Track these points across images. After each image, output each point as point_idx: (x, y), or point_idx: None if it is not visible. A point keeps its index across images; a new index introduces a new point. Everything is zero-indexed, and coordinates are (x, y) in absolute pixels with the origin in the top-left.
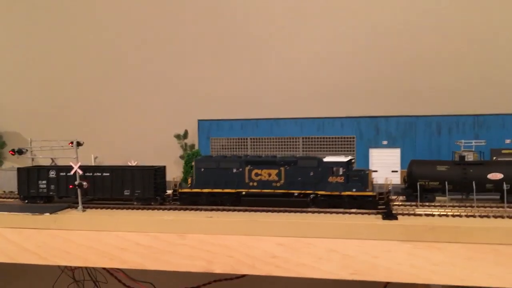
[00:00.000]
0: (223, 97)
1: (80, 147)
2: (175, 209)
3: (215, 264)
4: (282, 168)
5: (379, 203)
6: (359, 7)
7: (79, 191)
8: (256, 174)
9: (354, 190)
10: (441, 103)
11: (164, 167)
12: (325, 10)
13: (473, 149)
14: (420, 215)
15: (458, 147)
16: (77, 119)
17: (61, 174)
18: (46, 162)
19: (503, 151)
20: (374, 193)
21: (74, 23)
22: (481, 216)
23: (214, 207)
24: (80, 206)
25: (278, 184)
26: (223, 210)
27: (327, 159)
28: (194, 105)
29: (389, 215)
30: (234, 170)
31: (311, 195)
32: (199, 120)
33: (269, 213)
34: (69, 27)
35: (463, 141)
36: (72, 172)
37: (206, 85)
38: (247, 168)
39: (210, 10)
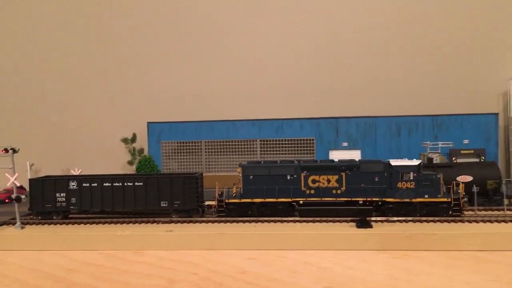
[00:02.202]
0: (176, 99)
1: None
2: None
3: (177, 283)
4: (343, 174)
5: (454, 209)
6: (317, 10)
7: (16, 205)
8: (314, 181)
9: (426, 196)
10: (401, 104)
11: (202, 174)
12: (284, 13)
13: (439, 151)
14: (393, 221)
15: (424, 149)
16: (3, 124)
17: (84, 185)
18: None
19: (462, 151)
20: (449, 199)
21: (6, 24)
22: (455, 222)
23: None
24: (18, 223)
25: (339, 192)
26: (184, 222)
27: (395, 162)
28: (143, 107)
29: (363, 223)
30: (288, 177)
31: (378, 203)
32: (148, 123)
33: (235, 224)
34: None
35: (429, 142)
36: (8, 184)
37: (157, 86)
38: (302, 175)
39: (160, 13)
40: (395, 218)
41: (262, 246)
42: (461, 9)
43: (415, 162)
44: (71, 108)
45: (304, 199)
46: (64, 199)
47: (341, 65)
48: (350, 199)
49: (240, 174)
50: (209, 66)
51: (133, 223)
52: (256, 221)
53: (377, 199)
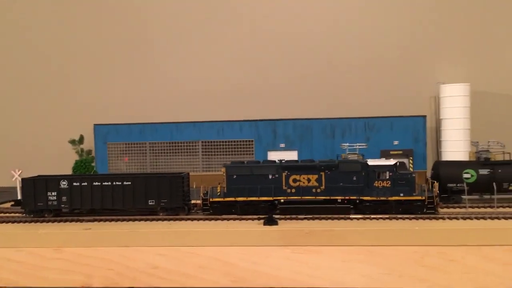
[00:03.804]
0: (121, 101)
1: None
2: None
3: (94, 278)
4: (323, 173)
5: (428, 207)
6: (257, 15)
7: None
8: (294, 180)
9: (401, 194)
10: (335, 107)
11: (189, 174)
12: (226, 18)
13: (357, 152)
14: (301, 219)
15: (344, 150)
16: None
17: (75, 184)
18: None
19: (391, 152)
20: (423, 197)
21: None
22: (357, 219)
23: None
24: None
25: (319, 190)
26: (100, 220)
27: (372, 162)
28: (90, 109)
29: (270, 221)
30: (270, 177)
31: (356, 201)
32: (95, 125)
33: (149, 222)
34: None
35: (347, 144)
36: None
37: (103, 89)
38: (284, 174)
39: (108, 14)
40: (302, 216)
41: (173, 243)
42: (393, 13)
43: (391, 161)
44: (19, 109)
45: (285, 197)
46: (55, 198)
47: (278, 69)
48: (329, 197)
49: (224, 174)
50: (152, 69)
51: (52, 222)
52: (169, 219)
53: (355, 197)
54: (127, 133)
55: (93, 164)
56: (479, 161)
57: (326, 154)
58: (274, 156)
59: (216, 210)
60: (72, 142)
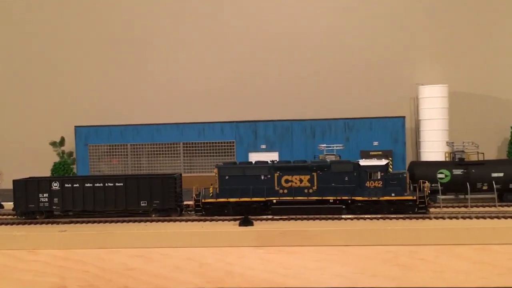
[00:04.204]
0: (102, 103)
1: None
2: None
3: (69, 280)
4: (315, 174)
5: (419, 207)
6: (237, 17)
7: None
8: (287, 181)
9: (393, 194)
10: (315, 108)
11: (181, 175)
12: (206, 19)
13: (334, 153)
14: (277, 219)
15: (321, 151)
16: None
17: (66, 186)
18: None
19: (371, 153)
20: (414, 197)
21: None
22: (332, 219)
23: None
24: None
25: (311, 191)
26: (77, 222)
27: (364, 162)
28: (71, 111)
29: (245, 221)
30: (262, 177)
31: (348, 201)
32: (76, 127)
33: (125, 224)
34: None
35: (324, 145)
36: None
37: (84, 91)
38: (276, 175)
39: (88, 15)
40: (278, 217)
41: (148, 244)
42: (373, 17)
43: (383, 162)
44: None
45: (278, 198)
46: (46, 199)
47: (259, 71)
48: (321, 197)
49: (216, 175)
50: (133, 71)
51: (28, 224)
52: (146, 221)
53: (347, 197)
54: (108, 135)
55: (73, 166)
56: (453, 161)
57: (306, 155)
58: (255, 157)
59: (209, 211)
60: (53, 144)
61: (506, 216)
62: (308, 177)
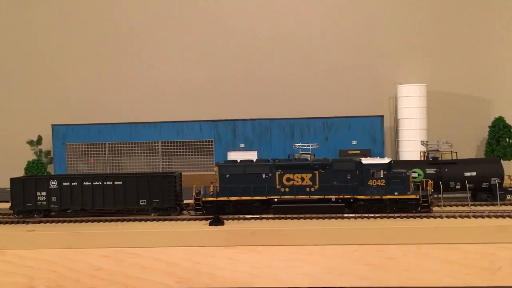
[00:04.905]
0: (80, 101)
1: None
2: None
3: (37, 280)
4: (317, 172)
5: (422, 206)
6: (216, 17)
7: None
8: (288, 179)
9: (396, 193)
10: (294, 107)
11: (181, 173)
12: (185, 19)
13: (310, 152)
14: (248, 219)
15: (297, 150)
16: None
17: (65, 184)
18: None
19: (349, 152)
20: (417, 196)
21: None
22: (304, 219)
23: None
24: None
25: (313, 189)
26: (47, 222)
27: (366, 161)
28: (49, 109)
29: (215, 221)
30: (263, 176)
31: (350, 200)
32: (53, 125)
33: (94, 223)
34: None
35: (299, 144)
36: None
37: (61, 89)
38: (277, 173)
39: (63, 12)
40: (249, 216)
41: (116, 244)
42: (351, 15)
43: (386, 160)
44: None
45: (279, 197)
46: (44, 198)
47: (238, 70)
48: (323, 196)
49: (217, 173)
50: (111, 69)
51: (3, 224)
52: (116, 220)
53: (349, 196)
54: (85, 134)
55: (50, 164)
56: (427, 160)
57: (285, 154)
58: (234, 156)
59: (209, 209)
60: (30, 142)
61: (477, 216)
62: (310, 175)
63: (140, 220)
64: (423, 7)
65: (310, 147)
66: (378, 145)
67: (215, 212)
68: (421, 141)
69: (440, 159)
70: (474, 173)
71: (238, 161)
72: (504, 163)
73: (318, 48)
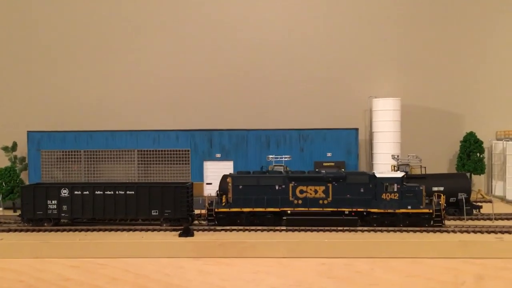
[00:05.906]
0: (56, 108)
1: None
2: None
3: None
4: (330, 185)
5: (435, 220)
6: (196, 28)
7: None
8: (301, 191)
9: (409, 207)
10: (271, 118)
11: (192, 184)
12: (165, 29)
13: (283, 163)
14: (218, 230)
15: (270, 162)
16: None
17: (76, 192)
18: None
19: (324, 164)
20: (431, 210)
21: None
22: (273, 231)
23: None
24: None
25: (326, 202)
26: (16, 230)
27: (380, 174)
28: (24, 115)
29: (185, 232)
30: (277, 187)
31: (363, 213)
32: (28, 132)
33: (65, 233)
34: None
35: (272, 155)
36: None
37: (38, 95)
38: (290, 185)
39: (36, 19)
40: (220, 228)
41: (85, 254)
42: (327, 29)
43: (399, 174)
44: None
45: (292, 209)
46: (55, 206)
47: (215, 80)
48: (336, 209)
49: (230, 184)
50: (88, 77)
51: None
52: (86, 230)
53: (362, 209)
54: (61, 141)
55: (25, 171)
56: None
57: (261, 165)
58: (210, 166)
59: (221, 220)
60: (5, 149)
61: (442, 230)
62: (323, 187)
63: (110, 230)
64: (398, 23)
65: (284, 159)
66: (352, 158)
67: (227, 223)
68: (392, 155)
69: (409, 173)
70: (441, 188)
71: (251, 172)
72: (475, 177)
73: (295, 62)
